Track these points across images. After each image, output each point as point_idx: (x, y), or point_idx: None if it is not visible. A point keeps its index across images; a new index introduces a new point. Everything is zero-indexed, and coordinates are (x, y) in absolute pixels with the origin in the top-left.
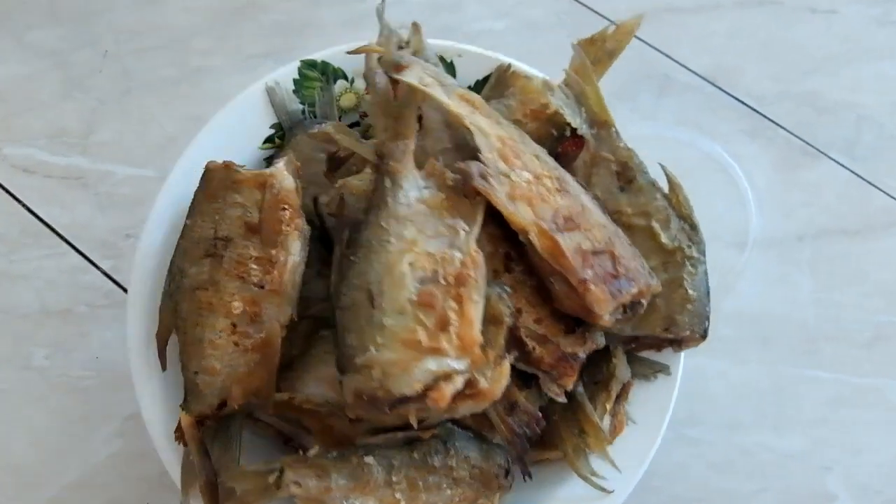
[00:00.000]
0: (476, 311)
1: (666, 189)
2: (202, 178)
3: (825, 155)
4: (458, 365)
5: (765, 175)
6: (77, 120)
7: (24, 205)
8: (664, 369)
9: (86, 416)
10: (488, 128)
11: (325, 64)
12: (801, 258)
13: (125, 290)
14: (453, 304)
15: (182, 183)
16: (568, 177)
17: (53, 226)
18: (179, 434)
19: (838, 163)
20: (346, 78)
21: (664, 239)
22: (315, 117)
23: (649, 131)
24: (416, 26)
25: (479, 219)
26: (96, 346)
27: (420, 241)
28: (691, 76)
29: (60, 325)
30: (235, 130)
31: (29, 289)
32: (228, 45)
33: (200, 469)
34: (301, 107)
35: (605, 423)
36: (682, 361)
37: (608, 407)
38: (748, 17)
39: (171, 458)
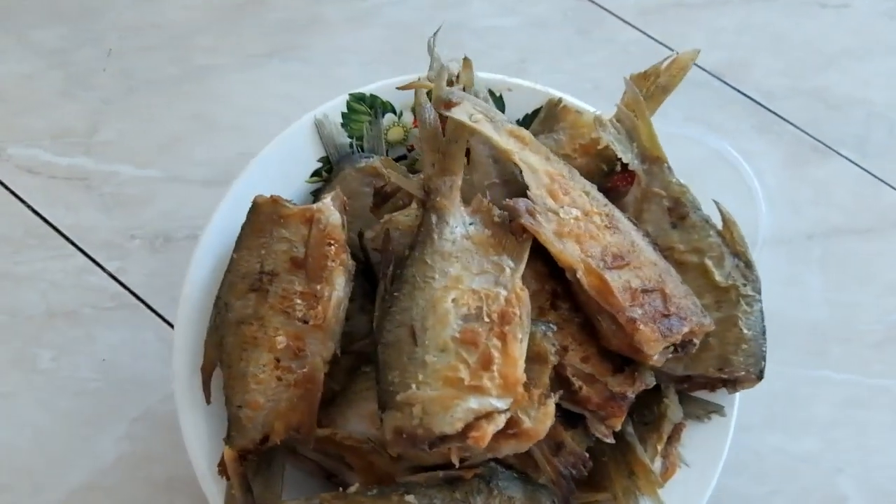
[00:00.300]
0: (520, 350)
1: (720, 226)
2: (250, 212)
3: (835, 152)
4: (500, 404)
5: (774, 172)
6: (81, 119)
7: (28, 206)
8: (718, 410)
9: (93, 418)
10: (538, 164)
11: (373, 97)
12: (812, 257)
13: (131, 292)
14: (497, 342)
15: (230, 215)
16: (618, 213)
17: (58, 227)
18: (223, 468)
19: (849, 160)
20: (394, 111)
21: (718, 277)
22: (363, 151)
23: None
24: (466, 61)
25: (525, 256)
26: (103, 349)
27: (465, 278)
28: (700, 72)
29: (66, 328)
30: (284, 163)
31: (34, 291)
32: (232, 42)
33: (242, 502)
34: (349, 140)
35: (657, 464)
36: (738, 403)
37: (659, 448)
38: (758, 11)
39: (213, 490)
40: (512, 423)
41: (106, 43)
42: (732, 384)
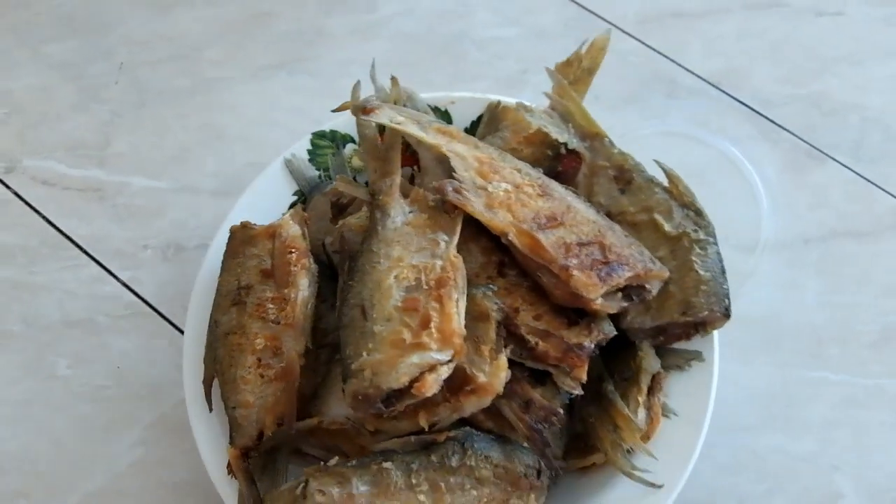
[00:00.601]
0: (456, 308)
1: (666, 183)
2: (228, 241)
3: (831, 157)
4: (440, 356)
5: (771, 178)
6: (93, 132)
7: (43, 216)
8: (697, 356)
9: (108, 424)
10: (465, 152)
11: (333, 132)
12: (809, 261)
13: (144, 301)
14: (434, 303)
15: (222, 249)
16: (553, 183)
17: (72, 237)
18: (230, 468)
19: (844, 165)
20: (353, 141)
21: (668, 228)
22: (330, 179)
23: (668, 129)
24: (394, 80)
25: (457, 229)
26: (117, 356)
27: (405, 257)
28: (697, 80)
29: (81, 336)
30: (264, 201)
31: (50, 300)
32: (240, 55)
33: (247, 496)
34: (317, 173)
35: (640, 416)
36: (717, 345)
37: (641, 400)
38: (755, 20)
39: (227, 491)
40: (468, 380)
41: (117, 56)
42: (702, 326)
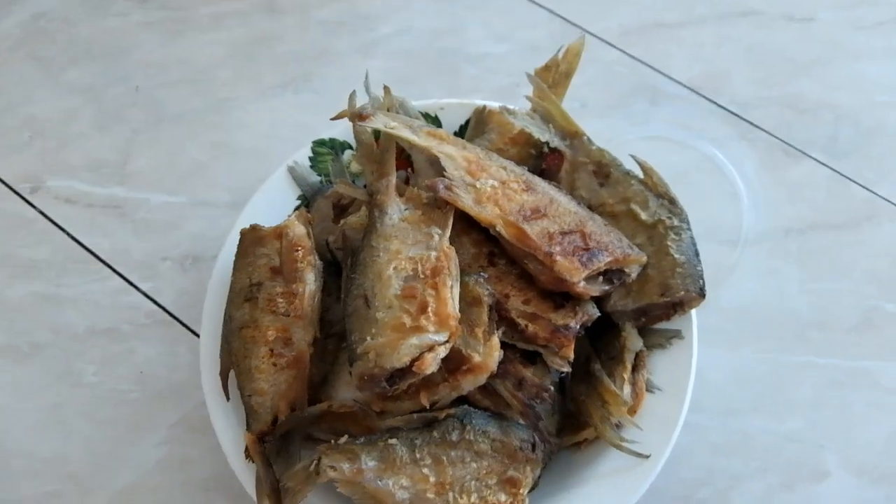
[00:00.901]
0: (450, 293)
1: (642, 176)
2: (238, 243)
3: (806, 154)
4: (438, 337)
5: (750, 176)
6: (113, 151)
7: (67, 233)
8: (677, 334)
9: (134, 425)
10: (454, 152)
11: (332, 140)
12: (790, 252)
13: (165, 310)
14: (431, 290)
15: (232, 253)
16: (537, 179)
17: (96, 252)
18: (248, 453)
19: (819, 161)
20: (351, 148)
21: (644, 216)
22: (331, 184)
23: (652, 134)
24: (386, 89)
25: (449, 222)
26: (140, 362)
27: (403, 250)
28: (678, 87)
29: (107, 344)
30: (271, 207)
31: (76, 311)
32: (250, 74)
33: (265, 478)
34: (319, 178)
35: (626, 391)
36: (695, 324)
37: (626, 377)
38: (731, 28)
39: (245, 476)
40: (465, 360)
41: (134, 80)
42: (680, 306)
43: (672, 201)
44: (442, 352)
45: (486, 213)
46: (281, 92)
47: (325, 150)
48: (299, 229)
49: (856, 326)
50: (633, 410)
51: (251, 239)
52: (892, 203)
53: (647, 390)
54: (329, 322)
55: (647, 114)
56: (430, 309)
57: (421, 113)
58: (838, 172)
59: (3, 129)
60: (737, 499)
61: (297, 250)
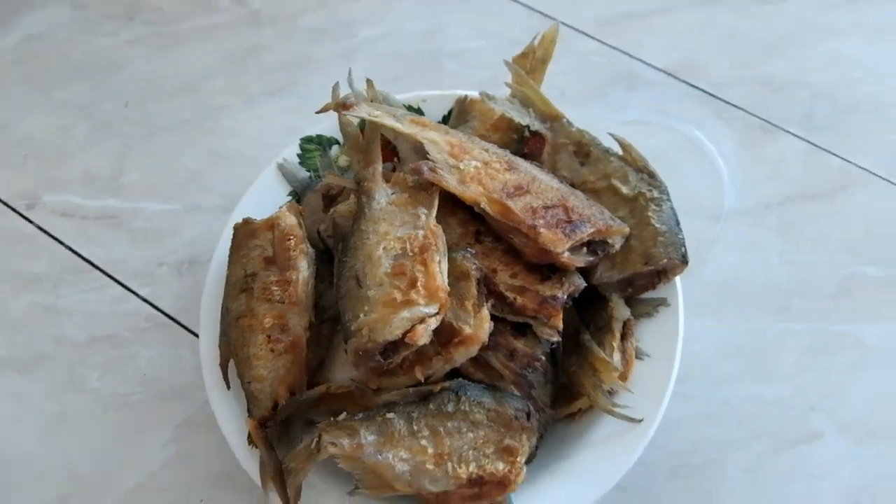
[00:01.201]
0: (439, 267)
1: (621, 153)
2: (232, 238)
3: (783, 130)
4: (428, 310)
5: (729, 153)
6: (107, 165)
7: (65, 245)
8: (662, 302)
9: (140, 427)
10: (437, 137)
11: (319, 136)
12: (769, 225)
13: (164, 313)
14: (419, 266)
15: (226, 252)
16: (518, 159)
17: (94, 261)
18: (251, 439)
19: (796, 135)
20: (338, 143)
21: (625, 190)
22: (320, 178)
23: (631, 118)
24: (369, 82)
25: (435, 202)
26: (143, 365)
27: (391, 231)
28: (655, 72)
29: (108, 349)
30: (262, 205)
31: (77, 320)
32: (237, 84)
33: (268, 461)
34: (308, 174)
35: (616, 359)
36: (681, 291)
37: (615, 345)
38: (703, 12)
39: (249, 464)
40: (456, 332)
41: (125, 94)
42: (664, 274)
43: (651, 175)
44: (433, 323)
45: (471, 192)
46: (268, 99)
47: (314, 147)
48: (290, 219)
49: (835, 293)
50: (623, 377)
51: (244, 232)
52: (867, 170)
53: (637, 357)
54: (323, 307)
55: (625, 100)
56: (419, 283)
57: (405, 106)
58: (814, 145)
59: None
60: (731, 465)
61: (290, 239)
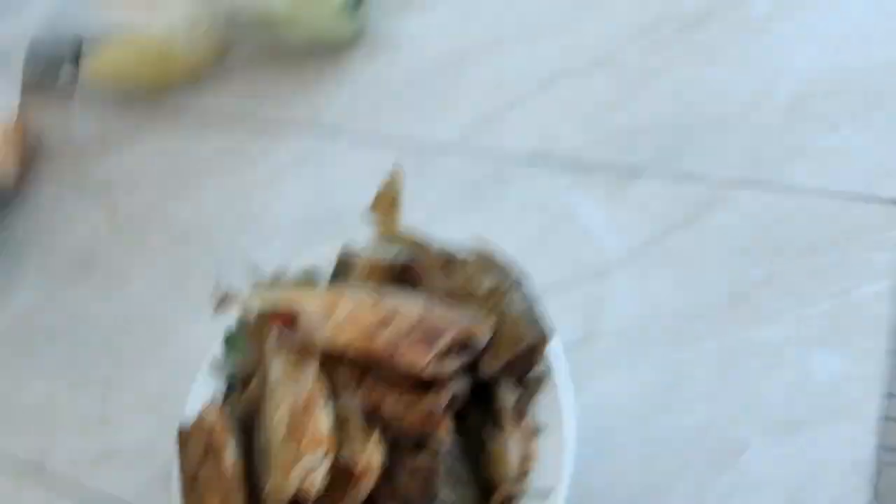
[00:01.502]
0: (322, 416)
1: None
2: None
3: (641, 170)
4: (316, 456)
5: (600, 210)
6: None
7: None
8: (544, 375)
9: None
10: (311, 297)
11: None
12: (654, 262)
13: None
14: (305, 421)
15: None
16: (389, 292)
17: None
18: None
19: (654, 173)
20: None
21: (482, 291)
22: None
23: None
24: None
25: (315, 361)
26: None
27: (285, 399)
28: (517, 166)
29: None
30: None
31: None
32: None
33: None
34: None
35: (516, 449)
36: (561, 357)
37: (510, 430)
38: (546, 93)
39: None
40: (352, 467)
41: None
42: (535, 350)
43: (503, 269)
44: (324, 467)
45: (340, 341)
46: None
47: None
48: (212, 415)
49: (729, 304)
50: (528, 460)
51: (182, 439)
52: (718, 185)
53: (535, 433)
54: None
55: (499, 198)
56: (305, 437)
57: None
58: (671, 176)
59: None
60: (674, 500)
61: (215, 433)
